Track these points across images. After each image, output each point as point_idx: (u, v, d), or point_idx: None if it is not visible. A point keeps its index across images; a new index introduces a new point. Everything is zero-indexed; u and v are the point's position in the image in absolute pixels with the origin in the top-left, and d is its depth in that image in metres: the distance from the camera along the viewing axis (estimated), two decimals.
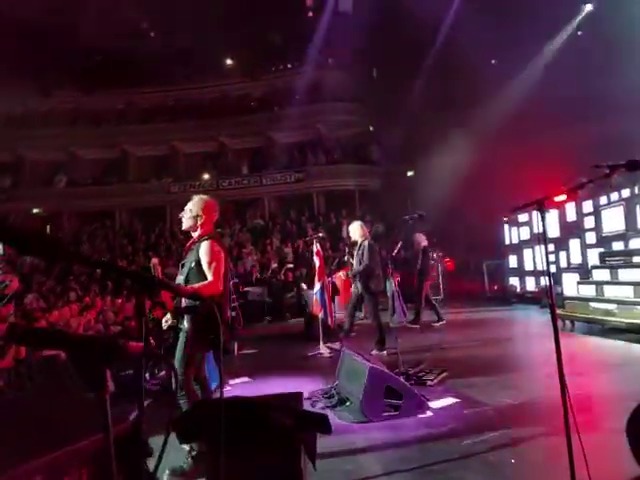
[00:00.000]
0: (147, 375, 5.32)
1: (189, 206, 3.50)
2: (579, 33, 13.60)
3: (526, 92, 12.42)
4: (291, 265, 13.93)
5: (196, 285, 3.17)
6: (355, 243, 6.71)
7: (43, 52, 20.93)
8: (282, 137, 20.25)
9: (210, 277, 3.20)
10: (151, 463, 1.15)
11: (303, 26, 18.64)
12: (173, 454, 3.15)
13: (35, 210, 20.36)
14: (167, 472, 3.13)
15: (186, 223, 3.48)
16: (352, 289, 6.66)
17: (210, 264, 3.23)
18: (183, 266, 3.42)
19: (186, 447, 3.17)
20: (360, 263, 6.41)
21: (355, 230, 6.74)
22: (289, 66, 20.94)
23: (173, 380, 3.33)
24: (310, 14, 20.55)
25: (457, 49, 12.92)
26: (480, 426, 3.63)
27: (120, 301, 9.03)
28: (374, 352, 6.08)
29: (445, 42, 14.43)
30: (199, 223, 3.44)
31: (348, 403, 4.37)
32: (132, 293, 10.35)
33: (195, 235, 3.48)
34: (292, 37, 19.31)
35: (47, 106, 21.90)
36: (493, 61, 14.57)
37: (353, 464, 3.22)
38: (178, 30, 22.07)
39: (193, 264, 3.29)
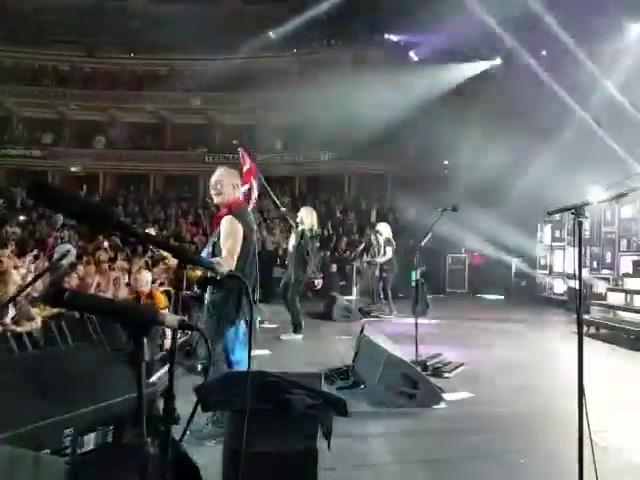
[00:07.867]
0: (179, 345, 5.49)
1: (212, 179, 3.41)
2: None
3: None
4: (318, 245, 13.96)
5: (213, 259, 3.11)
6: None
7: (89, 13, 21.19)
8: (318, 115, 20.00)
9: (223, 254, 3.14)
10: (177, 430, 1.22)
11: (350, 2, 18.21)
12: (195, 418, 3.26)
13: (73, 169, 20.93)
14: (187, 434, 3.25)
15: (215, 199, 3.42)
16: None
17: (225, 241, 3.19)
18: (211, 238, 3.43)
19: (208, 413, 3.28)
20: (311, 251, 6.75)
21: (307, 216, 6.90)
22: (332, 42, 20.59)
23: (205, 351, 3.41)
24: None
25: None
26: (493, 424, 3.65)
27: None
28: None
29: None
30: (224, 196, 3.35)
31: (363, 386, 4.42)
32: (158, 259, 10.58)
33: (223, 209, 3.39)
34: (339, 13, 18.89)
35: (90, 66, 22.26)
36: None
37: (366, 448, 3.28)
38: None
39: (217, 239, 3.28)
